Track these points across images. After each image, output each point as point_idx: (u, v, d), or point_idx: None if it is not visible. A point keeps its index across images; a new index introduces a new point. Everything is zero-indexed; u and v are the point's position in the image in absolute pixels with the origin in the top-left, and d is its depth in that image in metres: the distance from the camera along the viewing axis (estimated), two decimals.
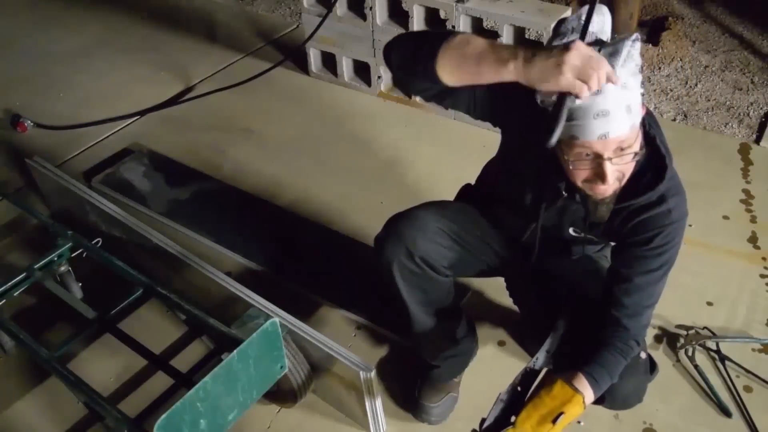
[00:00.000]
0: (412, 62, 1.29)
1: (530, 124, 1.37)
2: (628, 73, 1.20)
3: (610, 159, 1.25)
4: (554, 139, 1.15)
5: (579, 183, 1.33)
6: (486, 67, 1.21)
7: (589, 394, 1.40)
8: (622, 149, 1.25)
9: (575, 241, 1.59)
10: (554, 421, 1.35)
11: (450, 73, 1.24)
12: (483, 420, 1.41)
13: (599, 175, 1.28)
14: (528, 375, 1.46)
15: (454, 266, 1.66)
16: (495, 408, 1.41)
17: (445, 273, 1.64)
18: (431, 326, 1.74)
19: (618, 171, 1.29)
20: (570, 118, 1.20)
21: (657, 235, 1.40)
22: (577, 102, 1.17)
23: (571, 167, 1.30)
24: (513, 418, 1.38)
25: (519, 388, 1.44)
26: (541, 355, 1.49)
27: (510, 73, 1.18)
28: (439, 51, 1.23)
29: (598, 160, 1.26)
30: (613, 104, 1.19)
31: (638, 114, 1.25)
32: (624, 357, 1.47)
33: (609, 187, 1.30)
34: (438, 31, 1.32)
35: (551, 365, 1.50)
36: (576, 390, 1.37)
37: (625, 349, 1.47)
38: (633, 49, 1.20)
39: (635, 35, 1.21)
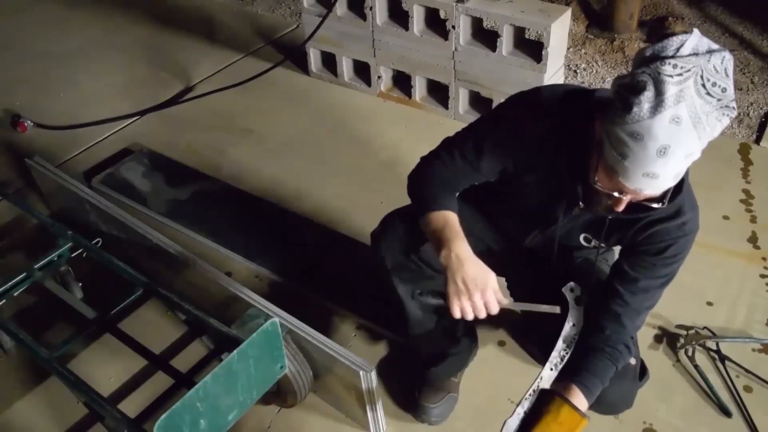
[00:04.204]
0: (413, 208, 1.58)
1: (539, 153, 1.42)
2: (698, 143, 1.15)
3: (631, 198, 1.28)
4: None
5: (593, 184, 1.33)
6: (433, 245, 1.47)
7: (584, 406, 1.41)
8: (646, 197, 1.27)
9: (583, 248, 1.59)
10: None
11: (425, 233, 1.51)
12: None
13: (613, 201, 1.31)
14: (534, 397, 1.45)
15: None
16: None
17: (440, 270, 1.64)
18: (427, 324, 1.74)
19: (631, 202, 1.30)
20: (624, 156, 1.18)
21: (670, 246, 1.41)
22: (626, 163, 1.18)
23: (596, 178, 1.30)
24: None
25: (525, 410, 1.42)
26: (545, 373, 1.48)
27: (440, 258, 1.43)
28: (419, 219, 1.51)
29: (620, 193, 1.27)
30: (667, 171, 1.17)
31: (680, 178, 1.24)
32: (613, 362, 1.47)
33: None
34: (428, 192, 1.54)
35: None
36: (583, 415, 1.36)
37: (614, 354, 1.47)
38: (719, 123, 1.15)
39: (732, 103, 1.14)
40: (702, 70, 1.11)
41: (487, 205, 1.70)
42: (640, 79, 1.14)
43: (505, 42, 2.73)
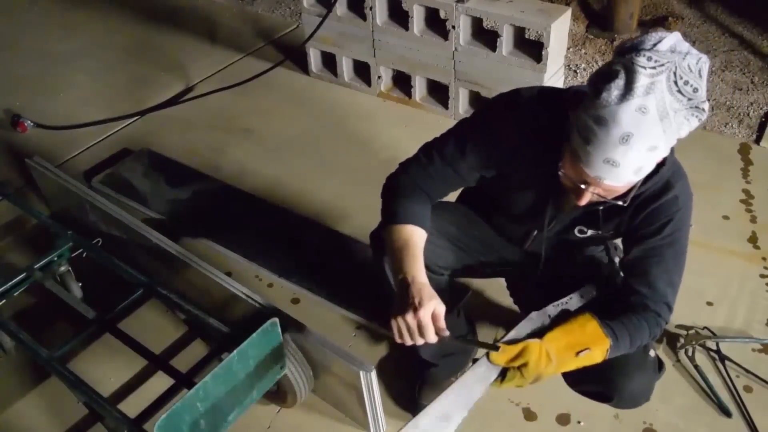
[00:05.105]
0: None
1: (520, 153, 1.42)
2: (663, 137, 1.16)
3: (593, 192, 1.28)
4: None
5: (561, 179, 1.34)
6: (393, 266, 1.44)
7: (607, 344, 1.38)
8: (607, 190, 1.27)
9: (580, 242, 1.59)
10: (578, 354, 1.34)
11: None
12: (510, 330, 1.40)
13: (576, 194, 1.31)
14: (560, 310, 1.45)
15: (450, 267, 1.66)
16: (524, 324, 1.40)
17: (439, 272, 1.64)
18: None
19: (596, 197, 1.30)
20: (587, 141, 1.19)
21: (668, 224, 1.40)
22: (589, 148, 1.19)
23: (561, 171, 1.31)
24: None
25: (549, 317, 1.42)
26: (575, 297, 1.48)
27: (396, 283, 1.41)
28: (383, 229, 1.50)
29: (583, 184, 1.27)
30: (628, 160, 1.17)
31: (643, 176, 1.24)
32: (648, 325, 1.41)
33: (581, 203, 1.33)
34: (394, 202, 1.50)
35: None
36: (607, 335, 1.35)
37: (650, 318, 1.41)
38: (687, 122, 1.16)
39: (703, 105, 1.15)
40: (676, 67, 1.13)
41: (487, 211, 1.70)
42: (613, 68, 1.15)
43: (505, 42, 2.73)
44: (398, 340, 1.36)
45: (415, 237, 1.44)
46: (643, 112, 1.12)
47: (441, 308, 1.35)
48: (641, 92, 1.12)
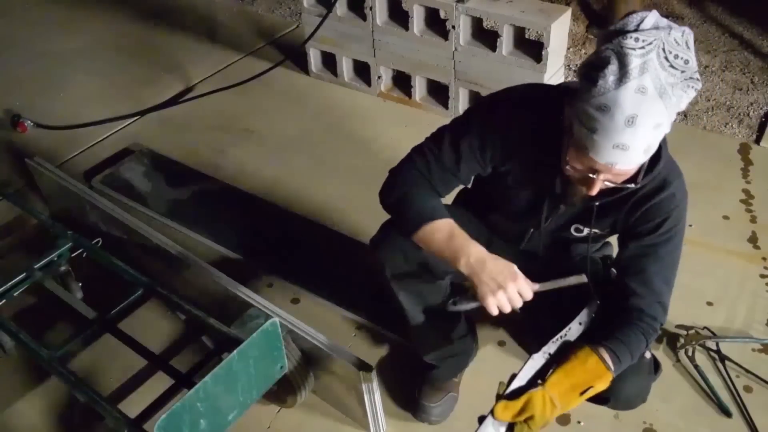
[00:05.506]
0: (398, 225, 1.52)
1: (515, 149, 1.43)
2: (666, 113, 1.17)
3: (603, 180, 1.28)
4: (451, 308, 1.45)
5: (567, 174, 1.34)
6: (445, 258, 1.41)
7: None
8: (617, 175, 1.27)
9: (577, 240, 1.59)
10: (581, 393, 1.34)
11: (422, 247, 1.46)
12: (512, 377, 1.40)
13: (587, 185, 1.31)
14: (559, 344, 1.45)
15: (452, 270, 1.66)
16: (526, 369, 1.40)
17: (441, 276, 1.64)
18: (428, 327, 1.74)
19: (606, 184, 1.30)
20: (593, 130, 1.19)
21: (665, 221, 1.41)
22: (595, 137, 1.19)
23: (567, 165, 1.31)
24: (539, 381, 1.37)
25: (550, 354, 1.42)
26: (574, 326, 1.48)
27: (460, 268, 1.38)
28: (413, 235, 1.45)
29: (593, 173, 1.28)
30: (637, 142, 1.18)
31: (651, 153, 1.25)
32: (646, 337, 1.43)
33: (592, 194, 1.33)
34: (414, 204, 1.47)
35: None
36: (609, 369, 1.36)
37: (647, 329, 1.43)
38: (685, 94, 1.17)
39: (696, 75, 1.17)
40: (663, 43, 1.14)
41: (483, 210, 1.70)
42: (603, 54, 1.16)
43: (505, 42, 2.73)
44: (496, 314, 1.36)
45: (454, 225, 1.43)
46: (642, 91, 1.14)
47: (516, 267, 1.37)
48: (636, 73, 1.13)
